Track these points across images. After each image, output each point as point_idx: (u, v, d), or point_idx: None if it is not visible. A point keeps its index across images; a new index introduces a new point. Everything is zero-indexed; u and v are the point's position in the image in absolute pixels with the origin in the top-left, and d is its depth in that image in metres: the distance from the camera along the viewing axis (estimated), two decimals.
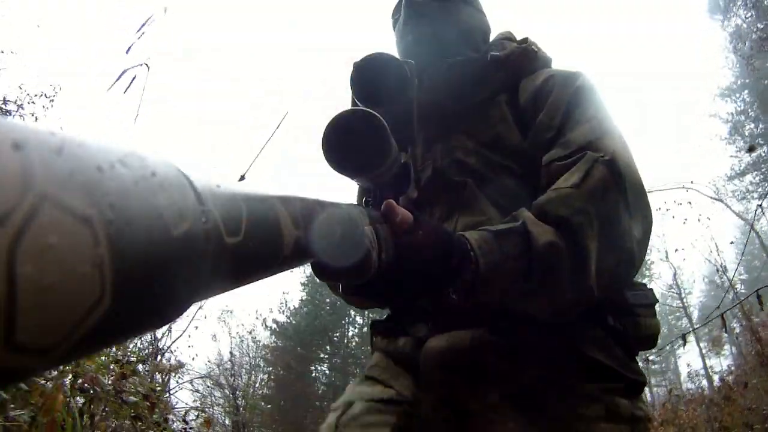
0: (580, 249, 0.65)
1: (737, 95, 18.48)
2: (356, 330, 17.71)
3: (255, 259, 0.25)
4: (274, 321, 16.81)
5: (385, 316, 0.97)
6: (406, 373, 0.85)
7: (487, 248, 0.62)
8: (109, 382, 2.01)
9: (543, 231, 0.64)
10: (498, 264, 0.61)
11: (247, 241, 0.23)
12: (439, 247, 0.57)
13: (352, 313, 16.96)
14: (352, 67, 0.67)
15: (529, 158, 0.81)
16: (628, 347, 0.79)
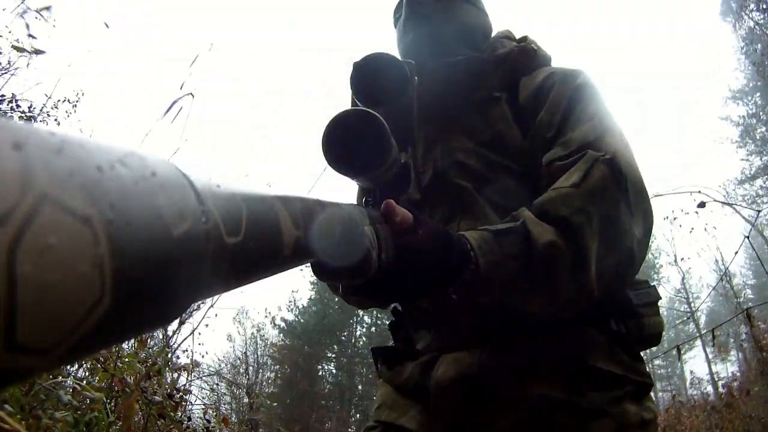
0: (580, 248, 0.65)
1: (749, 98, 18.39)
2: (364, 329, 17.79)
3: (255, 259, 0.25)
4: (283, 319, 16.89)
5: (388, 325, 0.98)
6: (414, 404, 0.85)
7: (487, 248, 0.62)
8: (132, 381, 2.03)
9: (543, 230, 0.64)
10: (498, 263, 0.61)
11: (247, 241, 0.23)
12: (439, 247, 0.57)
13: (360, 312, 16.96)
14: (352, 67, 0.67)
15: (530, 157, 0.81)
16: (633, 349, 0.79)
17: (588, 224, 0.66)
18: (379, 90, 0.65)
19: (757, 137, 18.07)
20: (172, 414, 2.23)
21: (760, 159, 17.72)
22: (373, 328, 17.42)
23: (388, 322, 0.99)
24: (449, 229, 0.62)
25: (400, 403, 0.87)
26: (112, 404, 1.91)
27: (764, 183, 17.71)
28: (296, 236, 0.29)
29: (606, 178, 0.69)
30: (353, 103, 0.67)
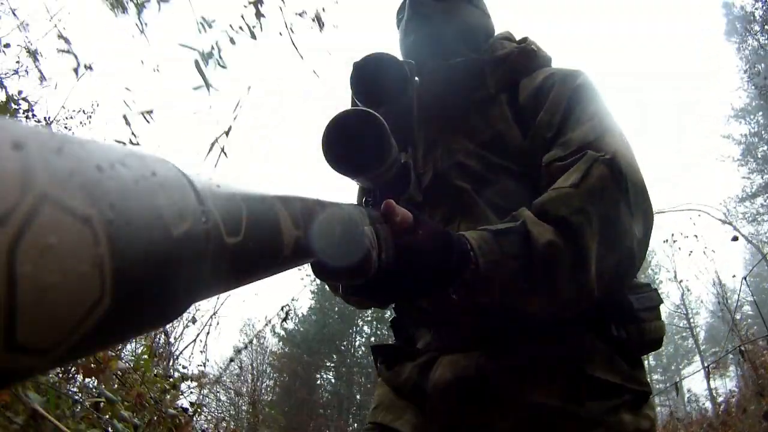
0: (580, 248, 0.65)
1: (751, 117, 18.40)
2: (363, 339, 17.78)
3: (255, 259, 0.25)
4: (283, 328, 16.87)
5: (390, 322, 0.98)
6: (411, 406, 0.85)
7: (487, 248, 0.62)
8: (152, 396, 2.06)
9: (543, 230, 0.64)
10: (498, 263, 0.61)
11: (247, 241, 0.23)
12: (439, 247, 0.57)
13: (360, 322, 17.02)
14: (352, 67, 0.67)
15: (530, 158, 0.81)
16: (633, 355, 0.78)
17: (587, 224, 0.66)
18: (379, 90, 0.65)
19: (759, 156, 18.10)
20: (185, 427, 2.25)
21: (761, 177, 17.74)
22: (373, 338, 17.41)
23: (390, 320, 0.99)
24: (449, 229, 0.62)
25: (396, 404, 0.87)
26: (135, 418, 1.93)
27: (765, 201, 17.71)
28: (296, 236, 0.29)
29: (605, 178, 0.69)
30: (353, 103, 0.67)
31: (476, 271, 0.60)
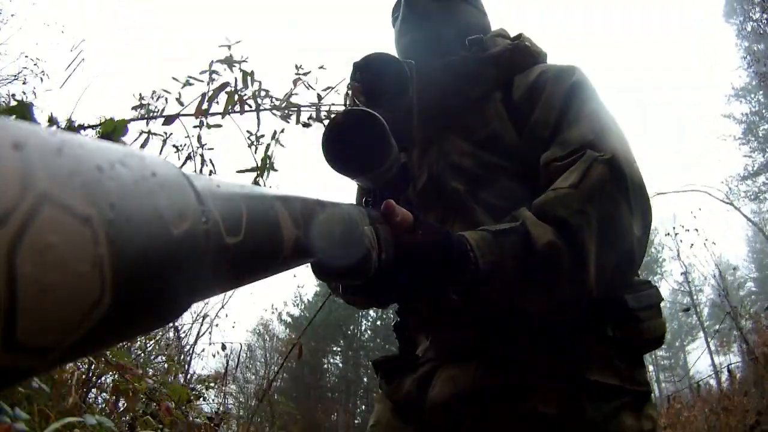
0: (579, 249, 0.65)
1: (752, 96, 18.36)
2: (369, 323, 18.01)
3: (255, 258, 0.25)
4: (289, 314, 17.01)
5: (393, 326, 0.98)
6: (407, 429, 0.85)
7: (487, 248, 0.62)
8: (181, 409, 2.08)
9: (543, 231, 0.64)
10: (497, 264, 0.61)
11: (247, 241, 0.23)
12: (439, 247, 0.57)
13: None
14: (352, 67, 0.67)
15: (525, 156, 0.81)
16: (633, 355, 0.78)
17: (587, 225, 0.66)
18: (379, 90, 0.65)
19: (760, 135, 18.08)
20: None
21: (763, 156, 17.71)
22: (379, 322, 17.58)
23: (392, 323, 0.99)
24: (449, 230, 0.62)
25: (393, 425, 0.88)
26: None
27: (767, 179, 17.70)
28: (296, 236, 0.29)
29: (604, 178, 0.69)
30: (353, 103, 0.67)
31: (476, 271, 0.60)
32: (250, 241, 0.23)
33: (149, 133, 1.60)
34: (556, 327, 0.74)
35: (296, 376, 15.47)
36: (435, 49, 0.91)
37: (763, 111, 18.00)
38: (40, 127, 0.14)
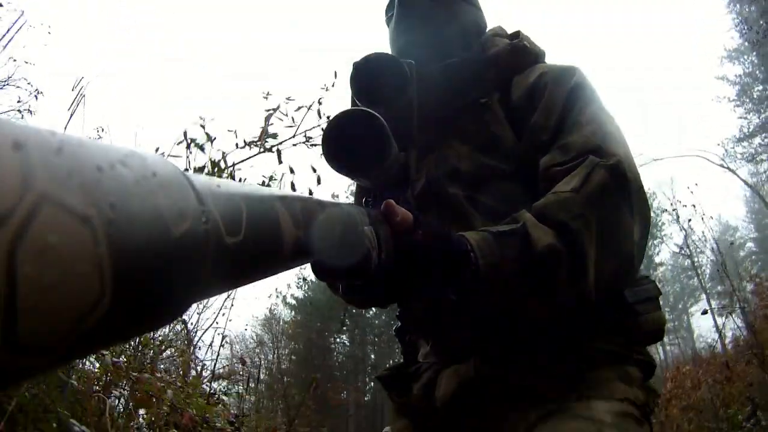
0: (578, 253, 0.65)
1: (744, 57, 18.11)
2: None
3: (255, 259, 0.25)
4: (293, 296, 17.17)
5: (394, 330, 1.00)
6: None
7: (488, 249, 0.62)
8: (205, 418, 2.11)
9: (543, 234, 0.64)
10: (497, 265, 0.61)
11: (247, 241, 0.23)
12: (439, 248, 0.57)
13: None
14: (352, 67, 0.67)
15: (524, 159, 0.80)
16: (631, 339, 0.79)
17: (586, 229, 0.66)
18: (379, 90, 0.65)
19: (755, 96, 17.91)
20: None
21: (758, 117, 17.56)
22: None
23: (394, 329, 1.01)
24: (449, 230, 0.62)
25: None
26: None
27: (763, 141, 17.53)
28: (296, 236, 0.29)
29: (606, 183, 0.69)
30: (353, 103, 0.67)
31: (476, 272, 0.60)
32: (250, 241, 0.23)
33: None
34: (556, 327, 0.74)
35: (304, 358, 15.74)
36: (432, 51, 0.89)
37: (757, 72, 17.76)
38: (41, 127, 0.14)
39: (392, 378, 0.95)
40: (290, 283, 17.35)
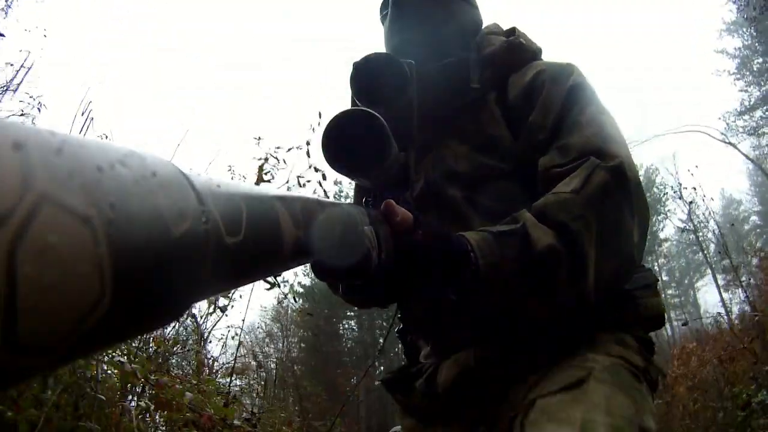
0: (578, 253, 0.65)
1: (743, 30, 17.99)
2: None
3: (255, 258, 0.25)
4: (300, 284, 17.25)
5: (396, 332, 1.01)
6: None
7: (487, 249, 0.62)
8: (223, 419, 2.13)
9: (543, 234, 0.64)
10: (497, 265, 0.61)
11: (247, 241, 0.23)
12: (439, 248, 0.57)
13: None
14: (352, 67, 0.67)
15: (521, 158, 0.80)
16: (631, 326, 0.80)
17: (587, 230, 0.66)
18: (379, 90, 0.65)
19: (755, 69, 17.87)
20: None
21: (759, 90, 17.53)
22: None
23: (396, 331, 1.02)
24: (449, 230, 0.62)
25: None
26: None
27: (764, 113, 17.47)
28: (296, 236, 0.29)
29: (607, 185, 0.69)
30: (353, 103, 0.67)
31: (476, 272, 0.60)
32: (250, 241, 0.23)
33: None
34: (556, 327, 0.74)
35: (314, 345, 15.86)
36: (430, 50, 0.88)
37: (756, 44, 17.66)
38: (41, 127, 0.14)
39: (395, 380, 0.96)
40: (297, 272, 17.42)
